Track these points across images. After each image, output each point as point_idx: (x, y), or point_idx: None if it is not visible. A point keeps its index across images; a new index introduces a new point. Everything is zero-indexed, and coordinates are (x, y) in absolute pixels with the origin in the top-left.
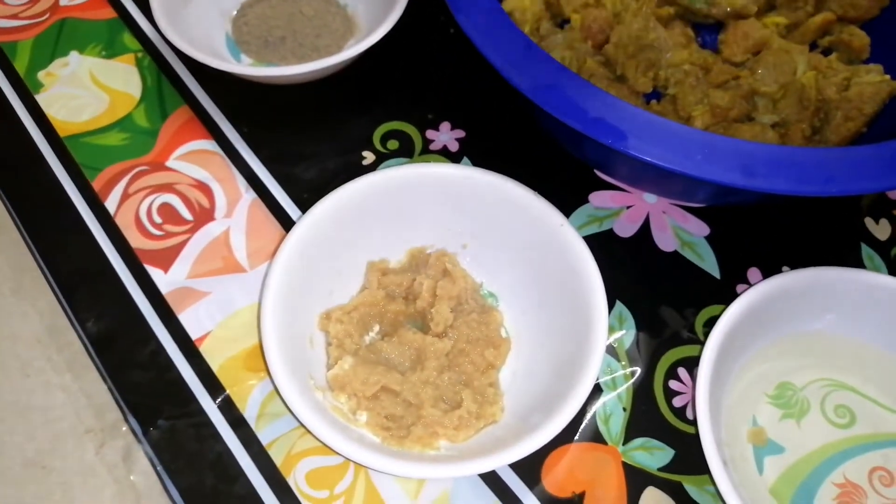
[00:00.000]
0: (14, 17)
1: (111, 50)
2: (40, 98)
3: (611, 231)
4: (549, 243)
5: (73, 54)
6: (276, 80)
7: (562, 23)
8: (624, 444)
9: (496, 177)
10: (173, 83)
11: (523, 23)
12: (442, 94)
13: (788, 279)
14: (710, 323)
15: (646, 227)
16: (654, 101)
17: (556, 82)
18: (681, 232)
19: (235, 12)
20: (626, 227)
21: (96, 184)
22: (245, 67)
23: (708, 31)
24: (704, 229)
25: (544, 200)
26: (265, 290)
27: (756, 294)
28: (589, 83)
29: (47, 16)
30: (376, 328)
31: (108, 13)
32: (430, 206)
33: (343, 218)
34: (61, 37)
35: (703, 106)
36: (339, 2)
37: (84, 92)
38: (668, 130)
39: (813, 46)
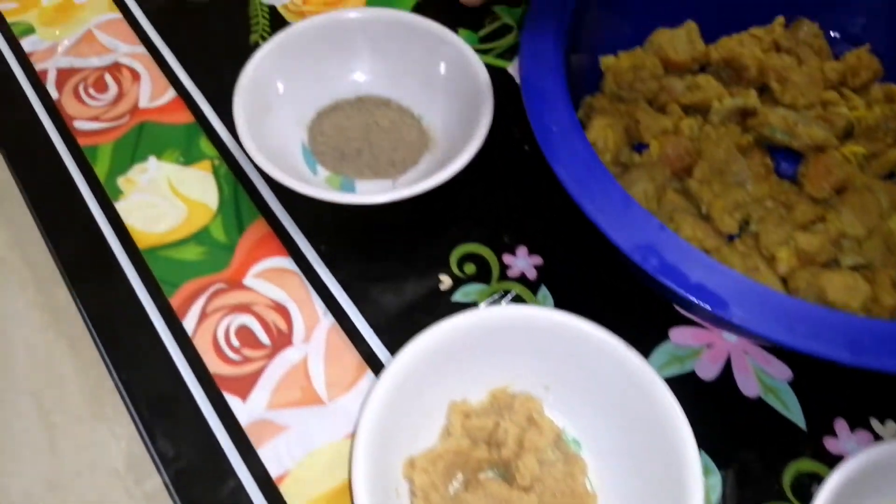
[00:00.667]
0: (95, 118)
1: (188, 156)
2: (120, 206)
3: (693, 373)
4: (634, 390)
5: (152, 160)
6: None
7: (638, 146)
8: None
9: (581, 321)
10: (250, 193)
11: (605, 151)
12: (517, 216)
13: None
14: (800, 479)
15: (727, 369)
16: (736, 240)
17: (656, 243)
18: (763, 376)
19: (311, 120)
20: (707, 369)
21: (174, 301)
22: (325, 191)
23: (784, 155)
24: (787, 373)
25: (631, 348)
26: (356, 445)
27: (857, 464)
28: (689, 245)
29: (127, 118)
30: (459, 476)
31: (186, 117)
32: (512, 346)
33: (429, 360)
34: (140, 141)
35: (788, 248)
36: (415, 113)
37: (162, 200)
38: (771, 300)
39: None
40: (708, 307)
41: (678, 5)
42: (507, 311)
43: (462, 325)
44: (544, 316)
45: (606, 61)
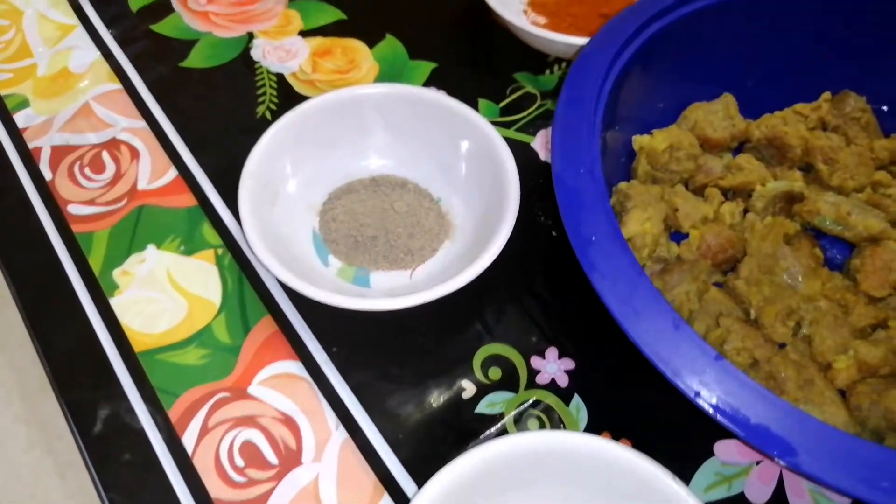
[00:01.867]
0: (90, 202)
1: (190, 244)
2: (115, 302)
3: (742, 495)
4: None
5: (150, 249)
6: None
7: (676, 233)
8: None
9: (621, 449)
10: (255, 286)
11: (643, 247)
12: (547, 314)
13: None
14: None
15: (780, 490)
16: (788, 347)
17: (709, 375)
18: (821, 499)
19: (323, 205)
20: (759, 490)
21: (173, 413)
22: (335, 296)
23: (831, 240)
24: (845, 499)
25: (677, 479)
26: None
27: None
28: (746, 378)
29: (125, 202)
30: None
31: (188, 200)
32: (545, 475)
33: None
34: (139, 227)
35: (847, 358)
36: (433, 195)
37: (161, 295)
38: (846, 446)
39: None
40: (774, 454)
41: (714, 75)
42: (540, 439)
43: (491, 456)
44: (581, 442)
45: (640, 140)
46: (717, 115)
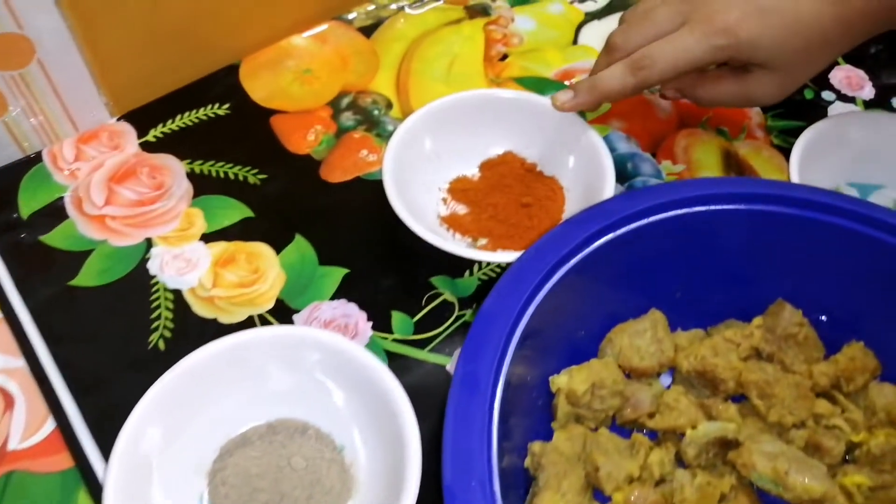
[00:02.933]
0: None
1: None
2: None
3: None
4: None
5: None
6: None
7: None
8: None
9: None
10: None
11: None
12: None
13: None
14: None
15: None
16: None
17: None
18: None
19: (213, 463)
20: None
21: None
22: None
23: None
24: None
25: None
26: None
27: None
28: None
29: None
30: None
31: (64, 461)
32: None
33: None
34: (4, 501)
35: None
36: (336, 443)
37: None
38: None
39: None
40: None
41: (640, 291)
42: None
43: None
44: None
45: (557, 382)
46: (645, 337)
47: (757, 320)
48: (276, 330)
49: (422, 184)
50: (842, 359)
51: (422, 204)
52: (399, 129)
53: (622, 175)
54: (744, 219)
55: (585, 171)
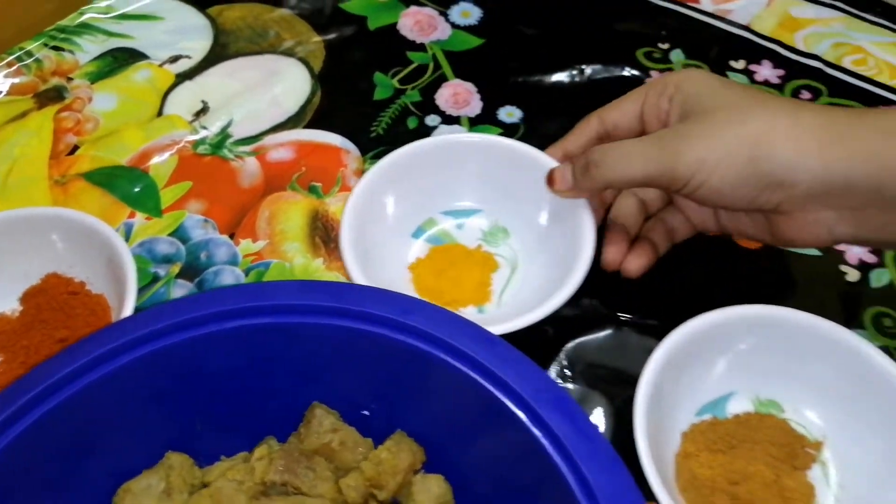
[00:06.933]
0: None
1: None
2: None
3: None
4: None
5: None
6: None
7: None
8: None
9: None
10: None
11: None
12: None
13: None
14: None
15: None
16: None
17: None
18: None
19: None
20: None
21: None
22: None
23: None
24: None
25: None
26: None
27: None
28: None
29: None
30: None
31: None
32: None
33: None
34: None
35: None
36: None
37: None
38: None
39: None
40: None
41: (152, 437)
42: None
43: None
44: None
45: None
46: (153, 493)
47: (259, 451)
48: None
49: None
50: (368, 467)
51: None
52: None
53: (194, 268)
54: (243, 336)
55: None
